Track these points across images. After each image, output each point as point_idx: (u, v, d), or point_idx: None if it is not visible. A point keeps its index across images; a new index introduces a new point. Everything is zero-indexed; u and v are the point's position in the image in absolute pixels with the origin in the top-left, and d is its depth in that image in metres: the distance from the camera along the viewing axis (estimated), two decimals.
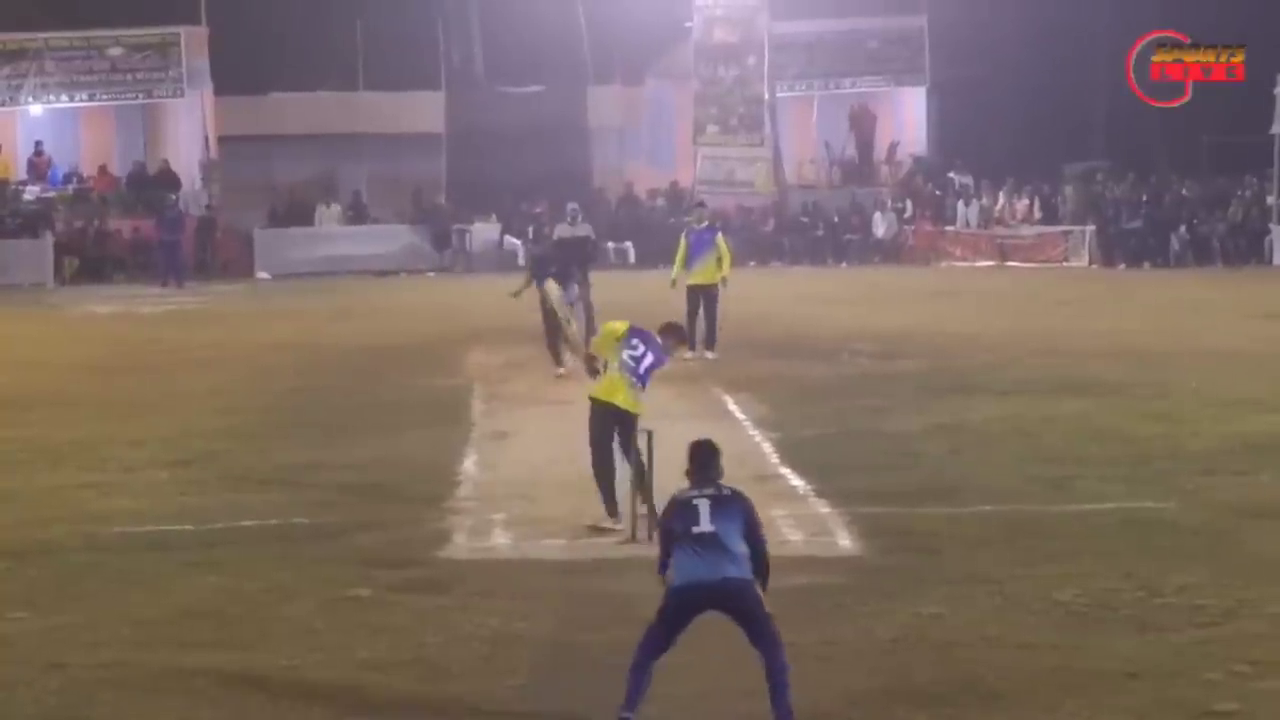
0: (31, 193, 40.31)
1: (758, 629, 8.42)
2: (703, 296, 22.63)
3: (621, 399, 12.76)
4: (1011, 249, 39.77)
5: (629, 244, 39.90)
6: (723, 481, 8.89)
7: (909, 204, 42.30)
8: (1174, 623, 10.09)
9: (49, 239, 38.48)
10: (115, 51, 40.32)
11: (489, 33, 44.18)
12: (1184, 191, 39.63)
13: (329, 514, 13.36)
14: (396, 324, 27.77)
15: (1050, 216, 40.43)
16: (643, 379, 12.86)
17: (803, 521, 12.92)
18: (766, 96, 42.25)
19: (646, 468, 12.38)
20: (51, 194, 40.49)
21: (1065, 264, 38.63)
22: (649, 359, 12.91)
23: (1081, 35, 43.04)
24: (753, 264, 37.18)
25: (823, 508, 13.31)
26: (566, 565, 11.76)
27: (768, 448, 15.95)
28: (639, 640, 8.56)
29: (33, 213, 39.42)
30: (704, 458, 8.98)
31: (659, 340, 13.19)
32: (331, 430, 17.35)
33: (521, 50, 42.83)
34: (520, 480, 14.54)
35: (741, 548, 8.50)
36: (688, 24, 42.91)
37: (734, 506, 8.65)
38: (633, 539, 12.12)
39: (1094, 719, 8.55)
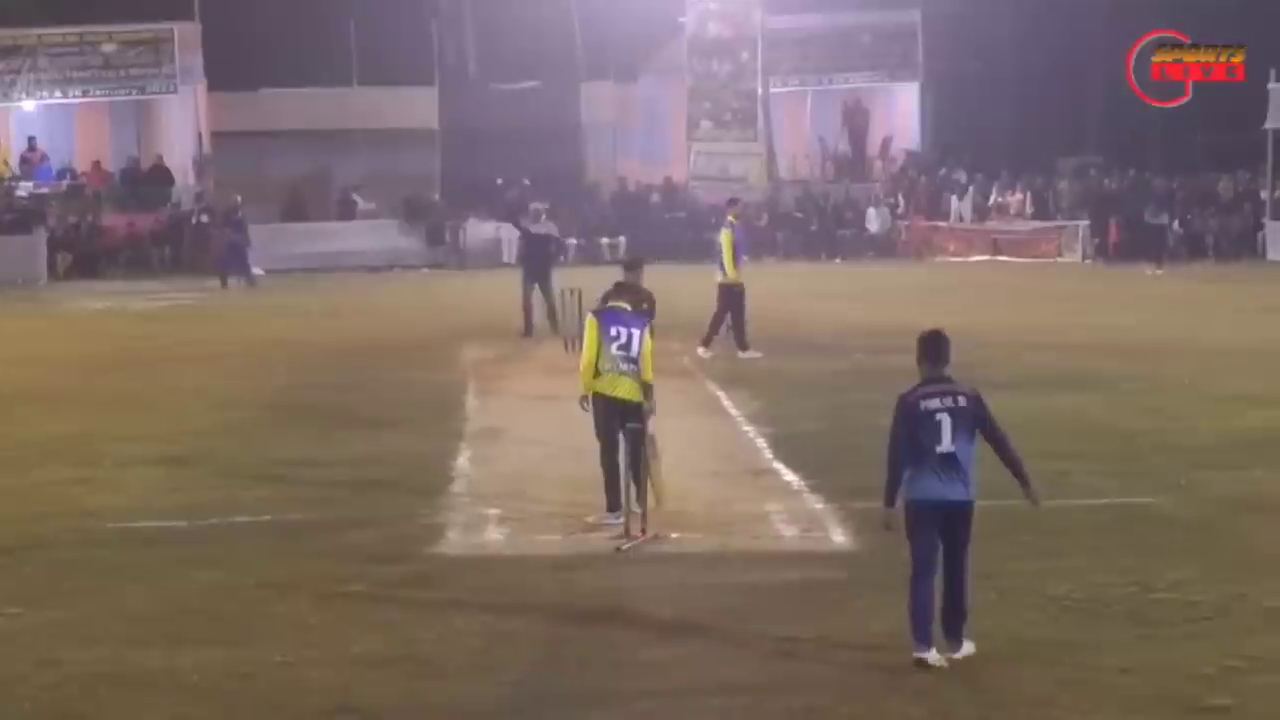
0: (25, 189, 40.27)
1: (959, 552, 8.93)
2: (739, 295, 22.39)
3: (624, 391, 12.63)
4: (1005, 244, 39.78)
5: (622, 239, 39.87)
6: (947, 374, 8.96)
7: (902, 199, 42.30)
8: (1168, 618, 10.08)
9: (42, 235, 38.45)
10: (109, 48, 40.31)
11: (483, 29, 44.18)
12: (1175, 187, 39.64)
13: (323, 510, 13.34)
14: (390, 320, 27.74)
15: (1042, 210, 40.41)
16: (636, 360, 12.62)
17: (796, 517, 12.92)
18: (760, 92, 42.25)
19: (644, 464, 12.32)
20: (45, 190, 40.46)
21: (1059, 259, 38.65)
22: (635, 339, 12.67)
23: (1075, 30, 43.03)
24: (745, 259, 37.03)
25: (817, 503, 13.29)
26: (560, 561, 11.72)
27: (761, 443, 15.95)
28: (910, 574, 8.93)
29: (26, 209, 39.40)
30: (938, 350, 9.01)
31: (626, 309, 12.96)
32: (325, 426, 17.34)
33: (515, 46, 42.82)
34: (514, 476, 14.52)
35: (973, 466, 8.84)
36: (681, 19, 42.91)
37: (969, 417, 8.86)
38: (626, 534, 12.11)
39: (1088, 714, 8.55)
